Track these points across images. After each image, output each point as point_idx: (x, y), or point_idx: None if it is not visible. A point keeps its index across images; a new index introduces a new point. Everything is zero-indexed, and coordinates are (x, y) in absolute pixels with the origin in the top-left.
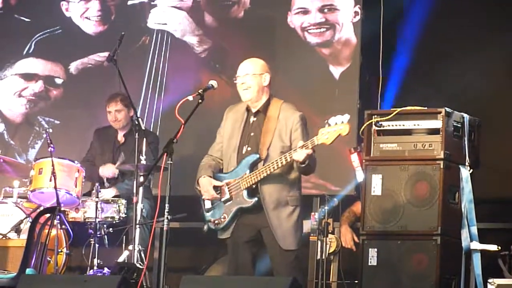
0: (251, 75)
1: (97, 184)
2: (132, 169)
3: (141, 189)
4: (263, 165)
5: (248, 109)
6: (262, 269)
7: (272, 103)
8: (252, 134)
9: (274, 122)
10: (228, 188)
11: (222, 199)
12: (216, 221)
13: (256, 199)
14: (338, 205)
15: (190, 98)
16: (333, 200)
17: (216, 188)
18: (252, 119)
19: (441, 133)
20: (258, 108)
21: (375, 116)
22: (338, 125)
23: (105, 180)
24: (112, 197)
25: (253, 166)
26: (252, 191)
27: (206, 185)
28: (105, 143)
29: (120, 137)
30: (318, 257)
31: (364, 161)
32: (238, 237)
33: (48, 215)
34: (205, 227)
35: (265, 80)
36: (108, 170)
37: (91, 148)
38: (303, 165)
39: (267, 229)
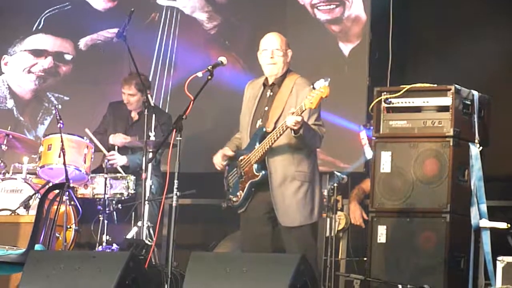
0: (279, 51)
1: (106, 160)
2: (141, 145)
3: (150, 165)
4: None
5: (265, 84)
6: None
7: (288, 77)
8: (266, 108)
9: (286, 96)
10: (242, 164)
11: (238, 176)
12: (234, 199)
13: (263, 172)
14: (347, 182)
15: (200, 74)
16: (342, 177)
17: (231, 159)
18: (268, 93)
19: (450, 110)
20: (274, 82)
21: (385, 93)
22: (320, 88)
23: (115, 148)
24: (121, 166)
25: (261, 140)
26: (262, 164)
27: (218, 153)
28: (119, 118)
29: (134, 114)
30: (327, 234)
31: (373, 138)
32: (251, 213)
33: (57, 191)
34: (224, 204)
35: (289, 57)
36: (118, 139)
37: (103, 120)
38: (295, 135)
39: None
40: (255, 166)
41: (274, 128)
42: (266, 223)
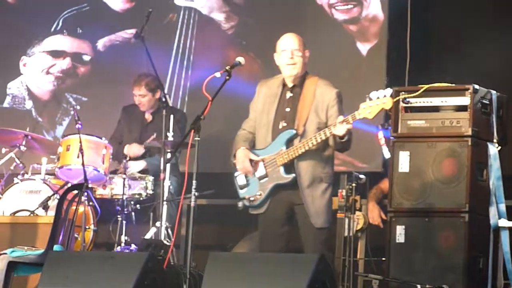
0: (298, 51)
1: (124, 161)
2: (159, 145)
3: (168, 165)
4: (300, 141)
5: (284, 84)
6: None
7: (308, 79)
8: (288, 109)
9: (311, 98)
10: (264, 164)
11: (257, 176)
12: (252, 198)
13: (293, 175)
14: (365, 182)
15: (218, 74)
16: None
17: (251, 162)
18: (288, 94)
19: (468, 109)
20: (294, 83)
21: (403, 92)
22: (381, 99)
23: (128, 158)
24: (140, 170)
25: (289, 142)
26: (289, 167)
27: (242, 157)
28: (133, 121)
29: (148, 115)
30: (346, 234)
31: (391, 137)
32: (271, 214)
33: (75, 191)
34: (240, 204)
35: (306, 57)
36: (134, 149)
37: (118, 126)
38: (342, 140)
39: (301, 206)
40: (281, 168)
41: (304, 131)
42: (285, 222)
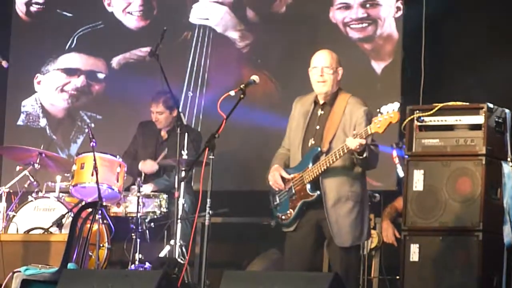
0: (329, 69)
1: (138, 178)
2: (173, 163)
3: (182, 184)
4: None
5: (316, 102)
6: None
7: (340, 96)
8: (318, 127)
9: (340, 116)
10: (293, 182)
11: (288, 194)
12: (284, 217)
13: (318, 192)
14: (379, 200)
15: (232, 93)
16: (374, 195)
17: (283, 179)
18: (319, 112)
19: (483, 128)
20: (325, 101)
21: (417, 111)
22: (389, 113)
23: (143, 175)
24: (151, 191)
25: (315, 160)
26: (315, 184)
27: (275, 173)
28: (149, 137)
29: (163, 133)
30: (360, 252)
31: (405, 156)
32: (299, 231)
33: (89, 209)
34: (273, 222)
35: (339, 75)
36: (147, 166)
37: (133, 141)
38: (360, 157)
39: (326, 223)
40: (308, 186)
41: (329, 148)
42: (311, 242)
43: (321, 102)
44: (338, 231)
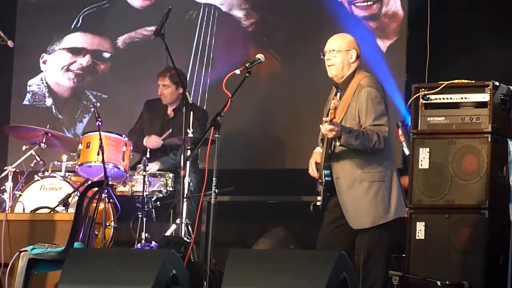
0: (336, 52)
1: (144, 157)
2: (179, 142)
3: (188, 162)
4: None
5: (336, 85)
6: None
7: (355, 78)
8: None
9: (348, 99)
10: (317, 167)
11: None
12: (318, 203)
13: (330, 178)
14: None
15: (237, 72)
16: None
17: (317, 164)
18: (338, 95)
19: (488, 106)
20: (340, 83)
21: (423, 89)
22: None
23: (148, 151)
24: (157, 171)
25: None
26: (330, 169)
27: (311, 162)
28: (155, 115)
29: (170, 111)
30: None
31: (411, 134)
32: (328, 214)
33: (96, 189)
34: (311, 206)
35: (352, 57)
36: (152, 141)
37: (140, 119)
38: (338, 143)
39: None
40: (324, 171)
41: None
42: (336, 225)
43: (338, 85)
44: (355, 213)
